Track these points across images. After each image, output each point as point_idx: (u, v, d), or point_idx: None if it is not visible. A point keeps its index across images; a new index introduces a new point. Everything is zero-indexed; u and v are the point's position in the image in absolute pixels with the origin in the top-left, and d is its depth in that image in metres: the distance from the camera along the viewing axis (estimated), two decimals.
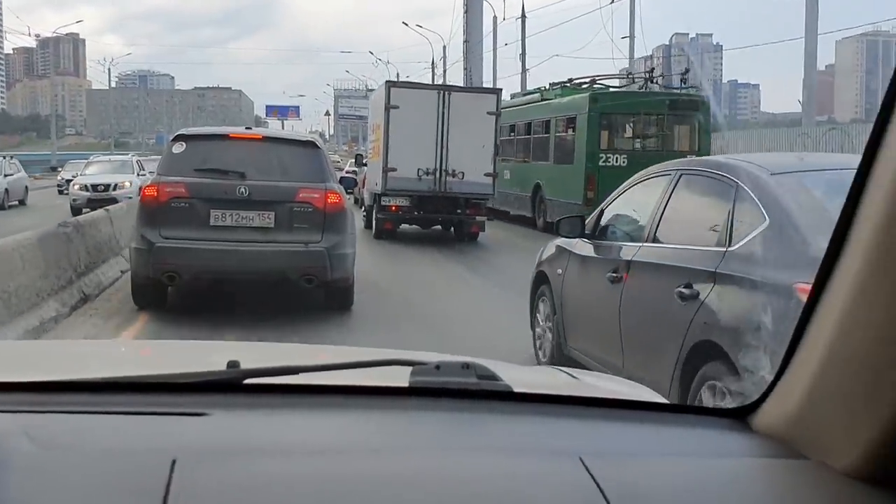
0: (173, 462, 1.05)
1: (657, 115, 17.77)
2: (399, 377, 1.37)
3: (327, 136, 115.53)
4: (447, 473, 1.13)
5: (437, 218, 16.10)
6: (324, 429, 1.27)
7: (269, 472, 1.08)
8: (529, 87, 32.05)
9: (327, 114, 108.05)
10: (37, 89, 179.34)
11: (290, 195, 8.01)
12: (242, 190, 7.92)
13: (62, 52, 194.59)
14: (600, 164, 17.10)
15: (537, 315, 6.53)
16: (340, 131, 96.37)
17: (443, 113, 15.55)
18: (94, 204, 19.67)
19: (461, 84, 32.42)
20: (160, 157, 13.63)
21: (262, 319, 7.62)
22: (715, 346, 3.96)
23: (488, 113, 15.76)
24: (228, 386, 1.34)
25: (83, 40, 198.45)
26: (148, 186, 8.28)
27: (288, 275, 8.02)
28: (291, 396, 1.35)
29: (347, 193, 8.89)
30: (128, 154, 30.52)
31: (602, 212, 5.84)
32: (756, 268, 3.95)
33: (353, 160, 22.40)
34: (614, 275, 5.17)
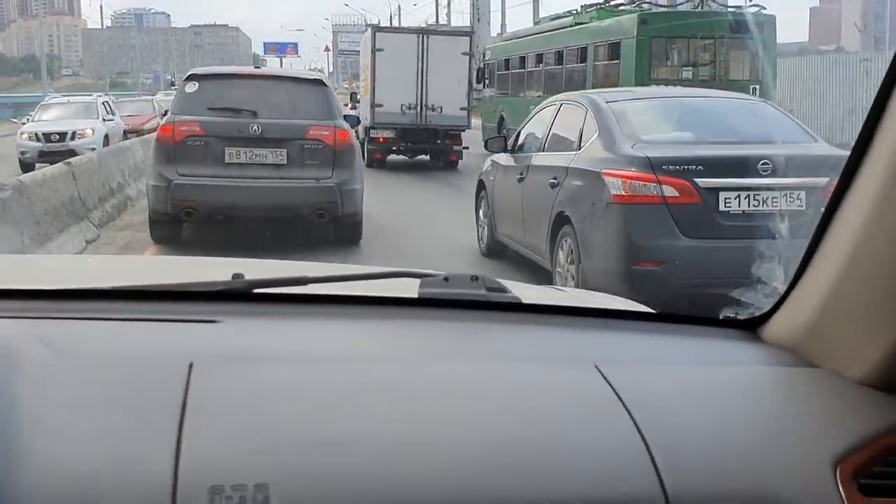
0: (190, 366, 1.06)
1: (717, 37, 15.32)
2: (408, 289, 1.37)
3: (327, 73, 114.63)
4: (459, 381, 1.13)
5: (421, 148, 17.83)
6: (333, 337, 1.26)
7: (282, 379, 1.08)
8: (543, 15, 30.41)
9: (327, 49, 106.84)
10: (31, 29, 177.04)
11: (301, 132, 8.27)
12: (255, 128, 8.18)
13: None
14: None
15: (479, 212, 8.64)
16: (340, 67, 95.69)
17: (422, 54, 17.36)
18: (48, 157, 16.40)
19: (468, 12, 33.51)
20: (153, 96, 13.88)
21: (272, 254, 7.85)
22: (565, 216, 6.07)
23: (462, 53, 17.65)
24: (237, 295, 1.33)
25: None
26: (163, 126, 8.54)
27: (300, 210, 8.32)
28: (300, 306, 1.35)
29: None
30: (92, 95, 24.93)
31: (518, 133, 7.85)
32: (588, 163, 5.93)
33: (349, 98, 23.09)
34: (520, 176, 7.15)
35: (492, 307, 1.37)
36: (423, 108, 17.40)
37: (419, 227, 10.17)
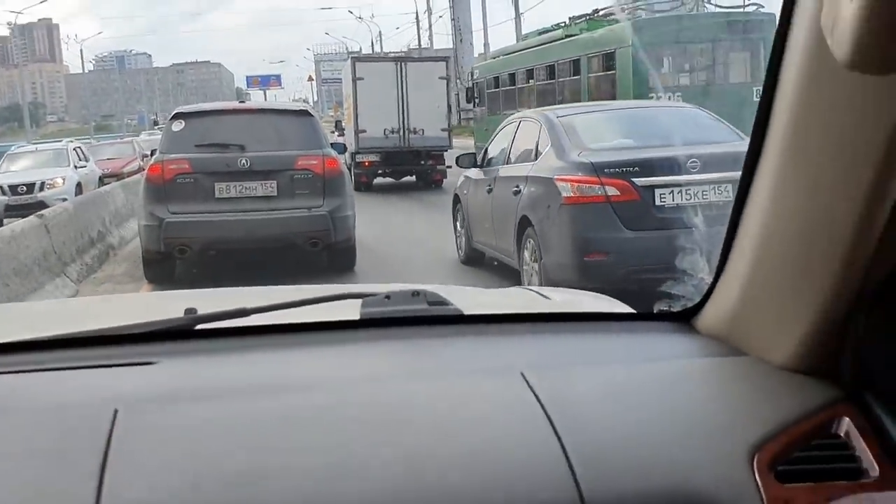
0: (115, 412, 1.05)
1: (715, 41, 14.98)
2: (351, 311, 1.37)
3: (311, 103, 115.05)
4: (393, 401, 1.14)
5: (406, 169, 18.63)
6: (275, 368, 1.26)
7: (211, 414, 1.08)
8: (526, 31, 29.75)
9: (310, 79, 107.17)
10: (13, 78, 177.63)
11: (290, 163, 8.32)
12: (244, 161, 8.23)
13: (37, 38, 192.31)
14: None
15: (456, 224, 9.34)
16: (325, 96, 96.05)
17: (401, 80, 18.33)
18: (15, 211, 15.26)
19: (451, 34, 33.58)
20: (135, 137, 13.73)
21: (266, 284, 7.82)
22: (527, 219, 6.83)
23: (440, 77, 18.59)
24: (180, 333, 1.33)
25: (57, 25, 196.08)
26: (152, 165, 8.58)
27: (294, 240, 8.35)
28: (243, 339, 1.34)
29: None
30: (61, 141, 22.97)
31: (486, 149, 8.71)
32: (543, 171, 6.77)
33: (334, 126, 24.04)
34: (489, 188, 7.96)
35: (434, 321, 1.38)
36: (406, 132, 18.25)
37: (405, 242, 10.73)
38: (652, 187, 6.16)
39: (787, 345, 1.14)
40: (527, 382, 1.14)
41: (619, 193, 6.14)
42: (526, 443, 1.06)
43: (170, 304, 1.70)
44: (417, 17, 55.86)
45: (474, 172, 8.65)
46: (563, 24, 19.34)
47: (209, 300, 1.59)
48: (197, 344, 1.33)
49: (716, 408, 1.16)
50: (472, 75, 25.14)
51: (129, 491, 0.95)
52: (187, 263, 8.73)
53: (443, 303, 1.39)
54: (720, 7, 16.54)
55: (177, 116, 8.80)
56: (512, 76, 20.92)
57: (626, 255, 6.10)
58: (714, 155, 6.18)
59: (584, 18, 18.32)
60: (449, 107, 18.81)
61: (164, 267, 8.54)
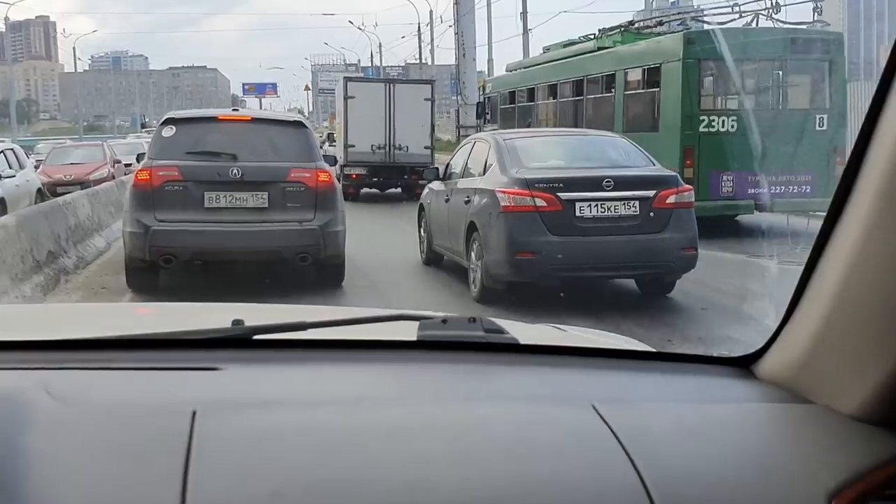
0: (193, 413, 1.06)
1: (776, 60, 13.21)
2: (406, 332, 1.38)
3: (306, 113, 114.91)
4: (458, 421, 1.14)
5: (390, 182, 20.01)
6: (334, 382, 1.27)
7: (285, 423, 1.09)
8: (533, 51, 28.89)
9: (307, 88, 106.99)
10: (8, 74, 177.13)
11: (283, 175, 8.13)
12: (235, 171, 8.03)
13: (33, 36, 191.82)
14: (701, 129, 12.49)
15: (420, 230, 10.46)
16: (320, 107, 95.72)
17: (389, 100, 19.74)
18: None
19: (453, 48, 32.61)
20: (107, 140, 13.27)
21: (254, 298, 7.65)
22: (474, 224, 8.06)
23: (425, 99, 19.97)
24: (237, 342, 1.35)
25: (54, 23, 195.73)
26: (140, 171, 8.36)
27: (282, 254, 8.15)
28: (300, 351, 1.36)
29: None
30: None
31: (447, 164, 9.89)
32: (489, 184, 7.97)
33: (325, 137, 25.21)
34: (447, 198, 9.14)
35: (490, 348, 1.38)
36: (391, 148, 19.71)
37: (381, 246, 11.80)
38: (573, 201, 7.50)
39: (859, 394, 1.12)
40: (598, 414, 1.13)
41: (546, 205, 7.48)
42: (603, 474, 1.05)
43: (214, 314, 1.73)
44: (419, 31, 54.26)
45: (437, 184, 9.90)
46: (593, 36, 17.61)
47: (254, 313, 1.58)
48: (257, 353, 1.34)
49: (788, 453, 1.14)
50: (483, 89, 23.62)
51: (213, 493, 0.95)
52: (171, 273, 8.51)
53: (499, 331, 1.40)
54: (783, 22, 14.52)
55: (168, 121, 8.58)
56: (531, 91, 19.09)
57: (551, 256, 7.44)
58: (624, 177, 7.75)
59: (617, 30, 16.54)
60: (432, 126, 20.26)
61: (148, 276, 8.31)
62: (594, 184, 7.55)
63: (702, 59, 12.78)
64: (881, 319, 1.07)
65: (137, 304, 6.93)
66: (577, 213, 7.49)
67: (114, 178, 18.09)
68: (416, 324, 1.39)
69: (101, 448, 1.01)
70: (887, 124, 1.00)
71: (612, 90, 14.99)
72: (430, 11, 54.05)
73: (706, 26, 14.86)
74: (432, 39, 51.73)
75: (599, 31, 17.38)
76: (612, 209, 7.54)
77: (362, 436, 1.08)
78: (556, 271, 7.51)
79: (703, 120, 12.56)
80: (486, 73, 33.07)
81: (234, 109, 10.02)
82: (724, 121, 12.59)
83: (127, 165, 21.15)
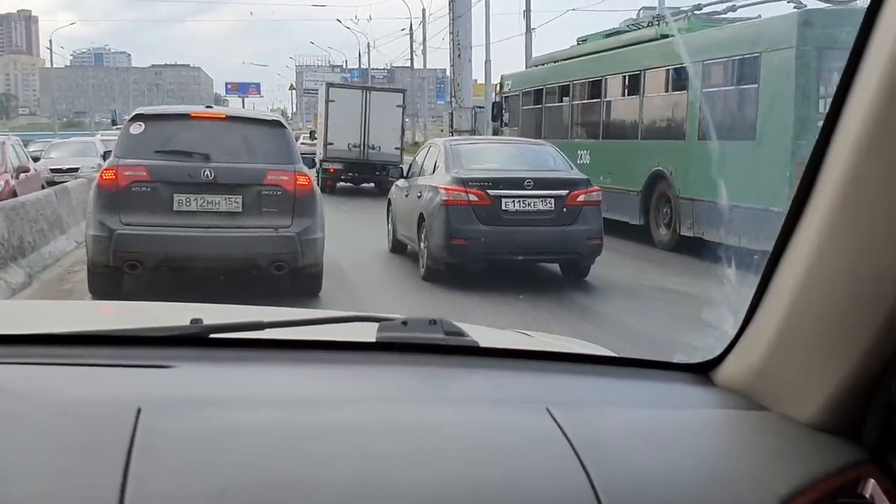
0: (138, 411, 1.05)
1: None
2: (366, 334, 1.37)
3: (290, 114, 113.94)
4: (413, 423, 1.13)
5: (364, 178, 22.64)
6: (290, 382, 1.26)
7: (235, 422, 1.08)
8: (536, 52, 26.67)
9: (292, 87, 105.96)
10: None
11: (258, 178, 7.65)
12: (207, 173, 7.54)
13: (14, 29, 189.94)
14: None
15: (388, 221, 11.95)
16: (304, 107, 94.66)
17: (365, 105, 22.45)
18: None
19: (448, 49, 31.85)
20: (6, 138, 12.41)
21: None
22: (423, 215, 9.58)
23: (397, 106, 22.72)
24: (193, 340, 1.34)
25: (35, 17, 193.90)
26: (106, 170, 7.83)
27: (257, 262, 7.67)
28: (257, 351, 1.35)
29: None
30: None
31: (411, 165, 11.37)
32: (436, 182, 9.58)
33: (308, 135, 28.45)
34: (407, 194, 10.70)
35: (449, 351, 1.38)
36: (365, 147, 22.38)
37: (353, 235, 13.15)
38: (500, 197, 9.11)
39: (814, 402, 1.13)
40: (553, 418, 1.14)
41: (477, 200, 9.08)
42: (554, 477, 1.05)
43: (173, 313, 1.74)
44: (411, 31, 52.19)
45: (401, 182, 11.38)
46: (647, 23, 15.14)
47: (214, 313, 1.57)
48: (212, 352, 1.33)
49: (741, 459, 1.15)
50: (500, 87, 21.23)
51: (155, 490, 0.94)
52: (137, 279, 7.97)
53: (460, 333, 1.40)
54: None
55: (136, 118, 8.02)
56: (564, 90, 16.47)
57: (480, 242, 9.06)
58: (543, 178, 9.37)
59: (682, 15, 13.66)
60: (402, 129, 23.15)
61: (112, 282, 7.77)
62: (517, 183, 9.20)
63: (822, 48, 9.60)
64: (835, 329, 1.08)
65: (98, 302, 6.50)
66: (503, 207, 9.10)
67: (15, 193, 13.34)
68: (375, 325, 1.39)
69: (43, 442, 1.01)
70: (844, 132, 1.00)
71: (684, 87, 12.29)
72: (423, 10, 51.72)
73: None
74: (424, 40, 49.70)
75: (654, 18, 15.12)
76: (532, 205, 9.16)
77: (314, 436, 1.07)
78: (484, 255, 9.18)
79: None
80: (485, 75, 31.22)
81: (207, 107, 9.47)
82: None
83: (61, 171, 19.20)
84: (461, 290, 8.86)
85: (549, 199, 9.16)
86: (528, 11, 30.08)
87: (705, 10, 13.53)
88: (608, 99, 14.80)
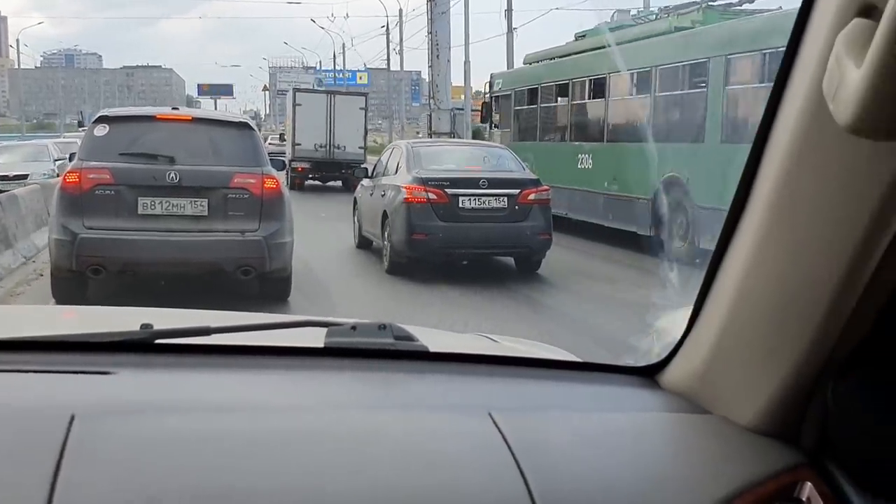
0: (72, 418, 1.04)
1: None
2: (314, 339, 1.36)
3: (263, 115, 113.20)
4: (357, 430, 1.13)
5: (330, 176, 24.66)
6: (236, 387, 1.25)
7: (173, 429, 1.06)
8: (517, 53, 26.40)
9: (265, 89, 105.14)
10: None
11: (225, 181, 7.55)
12: (172, 175, 7.43)
13: None
14: None
15: (354, 218, 12.64)
16: (278, 108, 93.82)
17: (330, 108, 24.50)
18: None
19: (427, 49, 31.63)
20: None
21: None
22: (386, 212, 10.25)
23: (360, 108, 25.01)
24: (139, 346, 1.33)
25: (4, 17, 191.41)
26: (69, 172, 7.70)
27: (223, 266, 7.57)
28: (203, 356, 1.34)
29: None
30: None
31: (375, 165, 12.00)
32: (398, 181, 10.30)
33: (279, 137, 30.45)
34: (371, 193, 11.43)
35: (399, 356, 1.37)
36: (331, 147, 24.37)
37: (321, 231, 13.80)
38: (457, 195, 9.82)
39: (753, 406, 1.14)
40: (494, 423, 1.14)
41: (436, 198, 9.78)
42: (492, 483, 1.05)
43: (125, 318, 1.71)
44: (387, 31, 51.68)
45: (367, 182, 12.06)
46: (654, 16, 14.10)
47: (165, 318, 1.56)
48: (156, 358, 1.32)
49: (681, 463, 1.17)
50: (490, 86, 19.51)
51: (82, 497, 0.94)
52: (101, 284, 7.84)
53: (409, 338, 1.39)
54: None
55: (101, 120, 7.91)
56: (563, 88, 15.39)
57: (438, 237, 9.74)
58: (496, 178, 10.18)
59: (695, 7, 12.61)
60: (365, 130, 25.20)
61: (75, 286, 7.63)
62: (473, 183, 9.98)
63: None
64: (772, 334, 1.09)
65: (52, 307, 6.36)
66: (460, 205, 9.84)
67: None
68: (324, 330, 1.37)
69: None
70: (776, 138, 1.01)
71: (703, 84, 11.25)
72: (400, 10, 50.74)
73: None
74: (402, 40, 49.15)
75: (660, 9, 14.02)
76: (487, 202, 9.94)
77: (254, 443, 1.06)
78: (443, 249, 9.87)
79: None
80: (464, 77, 30.51)
81: (173, 108, 9.37)
82: None
83: (6, 178, 17.39)
84: (422, 282, 9.67)
85: (502, 198, 9.95)
86: (509, 11, 29.20)
87: (720, 1, 12.56)
88: (615, 98, 13.63)
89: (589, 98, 14.60)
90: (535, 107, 16.68)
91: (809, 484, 1.09)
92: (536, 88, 16.68)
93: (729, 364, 1.19)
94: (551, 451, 1.13)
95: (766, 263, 1.08)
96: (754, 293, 1.11)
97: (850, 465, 1.07)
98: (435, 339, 1.45)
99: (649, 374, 1.39)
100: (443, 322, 7.83)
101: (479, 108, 21.75)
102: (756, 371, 1.13)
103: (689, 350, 1.28)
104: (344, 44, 74.33)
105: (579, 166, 13.76)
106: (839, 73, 0.79)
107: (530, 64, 18.25)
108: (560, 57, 16.30)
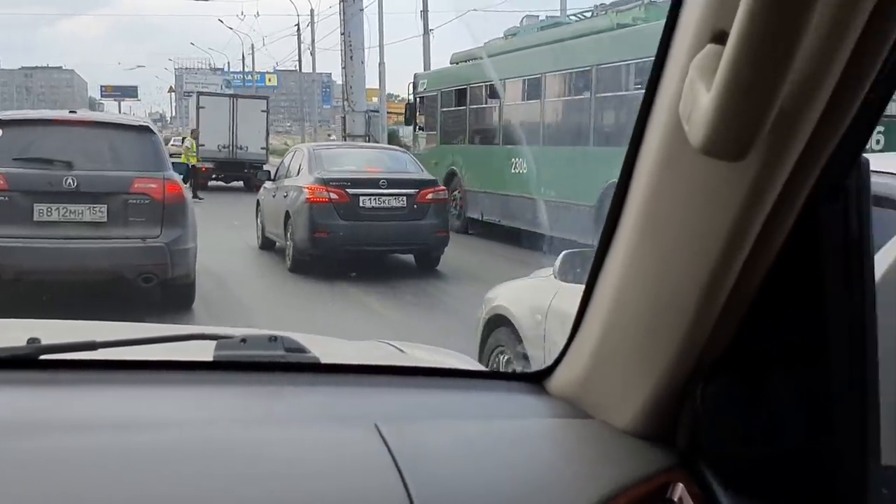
0: None
1: None
2: (204, 352, 1.35)
3: (168, 118, 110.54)
4: (243, 444, 1.12)
5: (234, 176, 25.44)
6: (122, 403, 1.23)
7: (60, 449, 1.04)
8: (434, 53, 26.21)
9: (171, 90, 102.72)
10: None
11: (125, 186, 7.36)
12: (70, 181, 7.20)
13: None
14: None
15: (257, 220, 12.89)
16: (184, 110, 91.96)
17: (233, 111, 25.61)
18: None
19: (341, 48, 30.22)
20: None
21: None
22: (288, 213, 10.64)
23: (261, 111, 26.12)
24: (23, 362, 1.29)
25: None
26: None
27: (124, 274, 7.38)
28: (90, 372, 1.31)
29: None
30: None
31: (278, 168, 12.35)
32: (300, 182, 10.72)
33: (181, 139, 29.56)
34: (274, 194, 11.74)
35: (289, 368, 1.36)
36: (234, 148, 25.37)
37: (226, 234, 13.50)
38: (358, 195, 10.23)
39: (630, 410, 1.17)
40: (380, 434, 1.14)
41: (337, 198, 10.17)
42: (374, 496, 1.06)
43: (13, 332, 1.65)
44: (298, 31, 50.72)
45: (269, 184, 12.36)
46: (591, 13, 13.50)
47: (54, 331, 1.52)
48: (40, 375, 1.28)
49: (561, 467, 1.19)
50: (415, 87, 18.24)
51: None
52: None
53: (300, 350, 1.38)
54: None
55: None
56: (494, 89, 14.78)
57: (339, 235, 10.08)
58: (396, 178, 10.64)
59: (637, 4, 12.18)
60: (267, 132, 26.43)
61: None
62: (373, 183, 10.40)
63: None
64: (645, 339, 1.12)
65: None
66: (361, 204, 10.23)
67: None
68: (214, 343, 1.36)
69: None
70: (647, 146, 1.02)
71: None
72: (311, 10, 49.71)
73: None
74: (313, 41, 48.18)
75: (597, 7, 13.50)
76: (387, 202, 10.33)
77: (136, 460, 1.04)
78: (344, 246, 10.19)
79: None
80: (378, 78, 29.81)
81: (71, 111, 9.07)
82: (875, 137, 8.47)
83: None
84: (324, 279, 10.02)
85: (401, 197, 10.40)
86: (425, 12, 28.23)
87: None
88: (550, 99, 13.00)
89: (523, 99, 13.91)
90: (464, 108, 15.91)
91: (681, 485, 1.11)
92: (465, 89, 15.92)
93: (608, 369, 1.21)
94: (435, 460, 1.14)
95: (638, 273, 1.10)
96: (629, 301, 1.13)
97: (718, 465, 1.11)
98: (329, 349, 1.44)
99: (538, 381, 1.39)
100: (344, 319, 7.93)
101: (404, 110, 20.57)
102: (632, 376, 1.16)
103: (573, 356, 1.30)
104: (253, 44, 73.40)
105: (513, 171, 13.17)
106: (692, 97, 0.82)
107: (457, 63, 17.31)
108: (490, 56, 15.40)
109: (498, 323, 4.91)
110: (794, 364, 1.05)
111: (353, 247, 10.24)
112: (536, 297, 4.60)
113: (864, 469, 1.04)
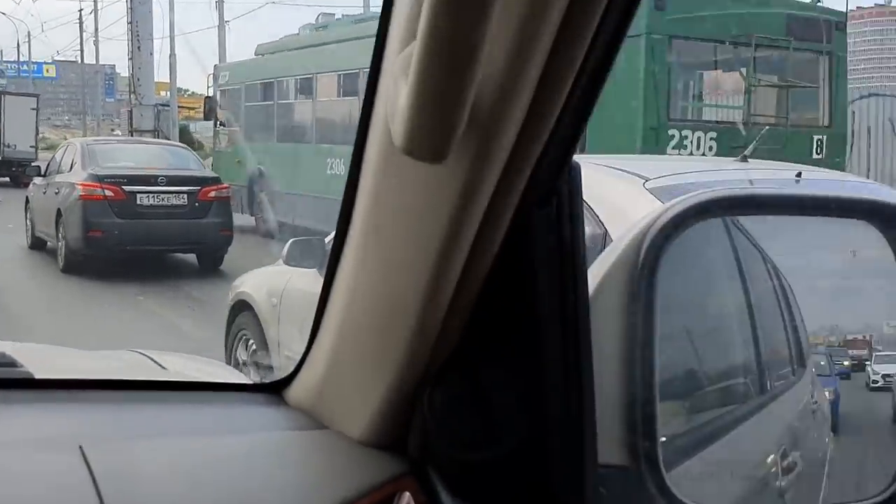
0: None
1: (776, 45, 8.59)
2: None
3: None
4: None
5: (2, 173, 25.00)
6: None
7: None
8: (231, 47, 24.41)
9: None
10: None
11: None
12: None
13: None
14: (670, 152, 7.88)
15: (26, 218, 12.28)
16: None
17: (1, 108, 25.79)
18: None
19: (128, 38, 27.39)
20: None
21: None
22: (60, 210, 10.39)
23: (31, 109, 26.37)
24: None
25: None
26: None
27: None
28: None
29: None
30: None
31: (49, 163, 11.99)
32: (72, 178, 10.46)
33: None
34: (44, 191, 11.32)
35: (1, 385, 1.26)
36: (2, 146, 25.34)
37: None
38: (135, 192, 10.02)
39: (362, 419, 1.15)
40: (84, 458, 1.05)
41: (112, 195, 9.90)
42: None
43: None
44: (80, 19, 46.84)
45: (39, 180, 11.88)
46: None
47: None
48: None
49: (291, 481, 1.15)
50: (215, 79, 16.97)
51: None
52: None
53: (11, 364, 1.27)
54: None
55: None
56: (307, 83, 13.88)
57: (115, 234, 9.85)
58: (175, 175, 10.52)
59: None
60: (37, 129, 26.60)
61: None
62: (152, 180, 10.23)
63: (672, 37, 7.77)
64: (374, 346, 1.10)
65: None
66: (138, 202, 10.03)
67: None
68: None
69: None
70: (368, 152, 1.00)
71: None
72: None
73: None
74: (97, 30, 45.04)
75: None
76: (166, 199, 10.18)
77: None
78: (120, 245, 9.98)
79: (674, 138, 7.77)
80: (170, 70, 27.71)
81: None
82: (699, 139, 7.92)
83: None
84: (99, 280, 9.90)
85: (182, 195, 10.30)
86: (220, 2, 26.96)
87: None
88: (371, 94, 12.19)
89: (340, 95, 12.98)
90: (272, 103, 14.86)
91: (407, 494, 1.11)
92: (272, 83, 14.85)
93: (341, 378, 1.19)
94: (144, 483, 1.07)
95: (364, 278, 1.09)
96: (358, 307, 1.12)
97: (446, 471, 1.10)
98: (60, 362, 1.34)
99: (277, 391, 1.34)
100: (119, 321, 7.72)
101: (201, 104, 19.14)
102: (364, 384, 1.14)
103: (310, 364, 1.27)
104: (29, 32, 67.73)
105: (329, 171, 11.91)
106: (394, 99, 0.80)
107: (263, 55, 16.13)
108: (302, 48, 14.45)
109: (241, 308, 5.26)
110: (512, 367, 1.06)
111: (130, 246, 10.08)
112: (274, 281, 4.96)
113: (581, 469, 1.05)
